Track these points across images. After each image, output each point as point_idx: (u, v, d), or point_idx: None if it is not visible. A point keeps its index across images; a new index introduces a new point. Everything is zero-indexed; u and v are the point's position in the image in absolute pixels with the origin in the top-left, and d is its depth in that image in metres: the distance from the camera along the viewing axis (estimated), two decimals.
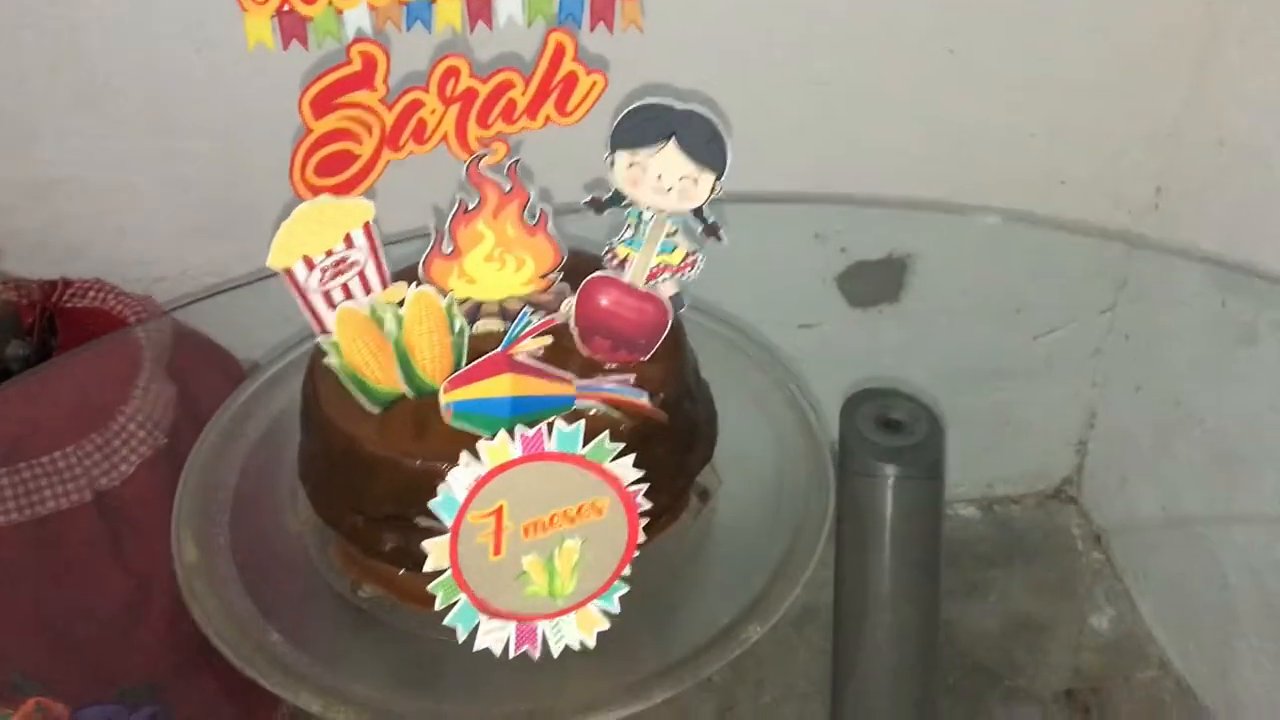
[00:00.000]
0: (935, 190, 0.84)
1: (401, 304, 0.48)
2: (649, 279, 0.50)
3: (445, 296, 0.49)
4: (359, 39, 0.45)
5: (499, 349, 0.47)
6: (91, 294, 0.77)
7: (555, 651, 0.46)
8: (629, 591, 0.47)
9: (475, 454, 0.43)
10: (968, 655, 0.88)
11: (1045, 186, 0.86)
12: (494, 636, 0.46)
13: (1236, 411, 0.81)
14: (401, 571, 0.49)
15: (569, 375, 0.48)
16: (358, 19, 0.45)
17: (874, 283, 0.91)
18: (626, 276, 0.50)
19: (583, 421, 0.44)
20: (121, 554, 0.69)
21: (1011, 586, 0.96)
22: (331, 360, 0.48)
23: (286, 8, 0.44)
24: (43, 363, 0.74)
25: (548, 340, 0.49)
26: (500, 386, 0.46)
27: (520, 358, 0.47)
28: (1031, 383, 0.96)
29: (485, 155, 0.48)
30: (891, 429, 0.57)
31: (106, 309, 0.77)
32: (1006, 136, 0.84)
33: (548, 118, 0.48)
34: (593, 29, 0.48)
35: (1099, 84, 0.83)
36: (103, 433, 0.68)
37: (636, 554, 0.46)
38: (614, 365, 0.50)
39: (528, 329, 0.47)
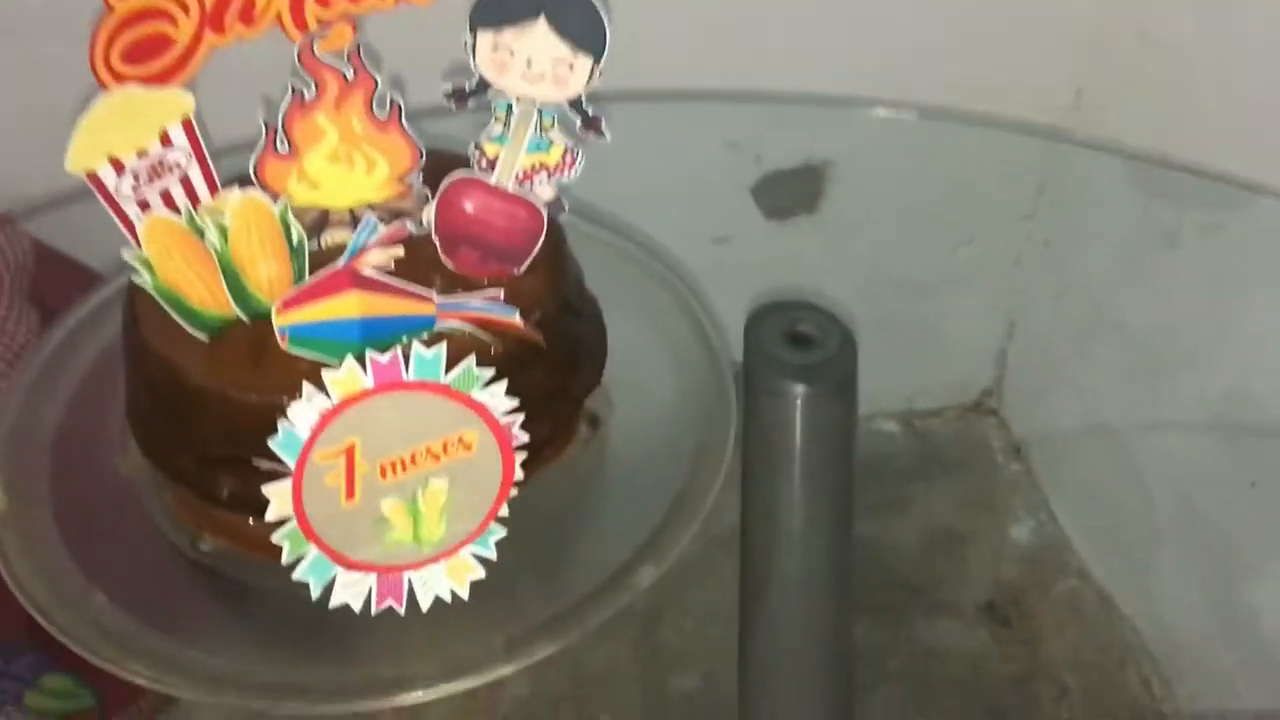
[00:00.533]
0: (852, 89, 0.79)
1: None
2: (522, 180, 0.44)
3: (280, 201, 0.42)
4: None
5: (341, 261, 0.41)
6: None
7: (425, 605, 0.41)
8: (509, 534, 0.42)
9: (321, 385, 0.38)
10: (890, 571, 0.86)
11: (964, 88, 0.82)
12: (352, 590, 0.40)
13: (1157, 317, 0.78)
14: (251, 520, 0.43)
15: (428, 292, 0.42)
16: None
17: (790, 193, 0.86)
18: (494, 178, 0.44)
19: (445, 345, 0.38)
20: None
21: (932, 501, 0.93)
22: (142, 279, 0.41)
23: None
24: None
25: (398, 251, 0.43)
26: (347, 306, 0.40)
27: (368, 272, 0.41)
28: (952, 293, 0.93)
29: (321, 36, 0.41)
30: (800, 344, 0.52)
31: None
32: (924, 35, 0.79)
33: None
34: None
35: None
36: None
37: (515, 492, 0.41)
38: (485, 280, 0.45)
39: (374, 238, 0.41)
